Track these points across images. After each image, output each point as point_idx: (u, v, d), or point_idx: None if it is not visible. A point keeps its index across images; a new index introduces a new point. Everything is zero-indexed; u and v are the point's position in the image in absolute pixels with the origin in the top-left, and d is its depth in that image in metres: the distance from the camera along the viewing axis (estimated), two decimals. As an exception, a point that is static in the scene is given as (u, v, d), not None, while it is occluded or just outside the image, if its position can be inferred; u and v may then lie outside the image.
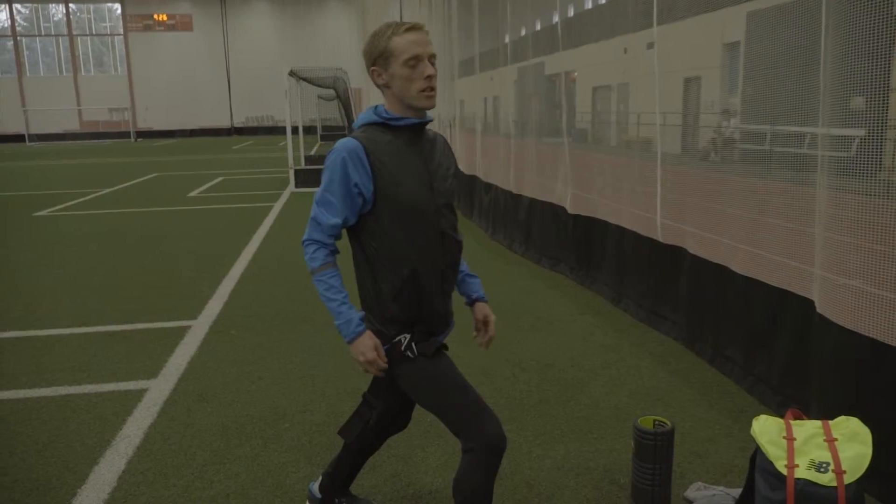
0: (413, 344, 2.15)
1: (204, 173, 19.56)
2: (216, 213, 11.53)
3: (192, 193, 14.45)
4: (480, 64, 17.90)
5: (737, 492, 2.78)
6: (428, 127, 2.22)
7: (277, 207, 11.99)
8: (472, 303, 2.38)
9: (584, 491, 2.89)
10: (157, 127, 52.85)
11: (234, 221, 10.48)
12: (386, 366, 2.12)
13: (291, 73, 14.07)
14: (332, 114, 42.29)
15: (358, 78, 26.05)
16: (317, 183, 14.04)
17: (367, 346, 2.08)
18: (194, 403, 3.82)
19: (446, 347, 2.22)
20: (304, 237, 2.13)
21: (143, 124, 53.04)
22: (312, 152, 21.67)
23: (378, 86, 2.11)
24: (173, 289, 6.34)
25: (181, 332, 5.05)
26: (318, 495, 2.69)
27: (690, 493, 2.84)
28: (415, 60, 2.01)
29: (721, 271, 4.11)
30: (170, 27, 53.93)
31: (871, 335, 2.79)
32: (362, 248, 2.15)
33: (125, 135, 50.33)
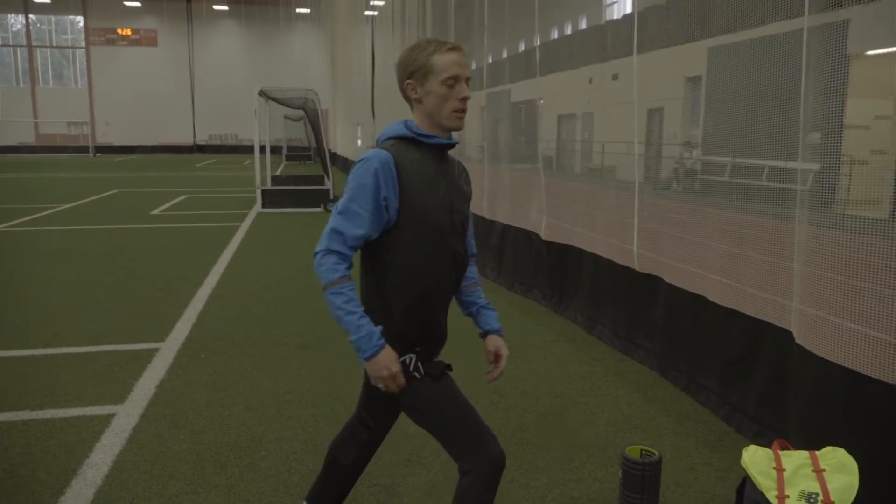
0: (419, 364, 2.11)
1: (167, 191, 19.23)
2: (181, 231, 11.31)
3: (156, 211, 14.17)
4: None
5: (721, 522, 2.79)
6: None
7: (244, 227, 11.82)
8: (485, 335, 2.34)
9: (570, 522, 2.87)
10: (117, 142, 51.94)
11: (199, 241, 10.30)
12: (404, 383, 2.05)
13: (261, 93, 13.98)
14: (298, 134, 42.16)
15: (325, 100, 26.06)
16: (283, 204, 14.00)
17: (391, 359, 2.00)
18: (165, 430, 3.70)
19: (450, 368, 2.19)
20: (321, 247, 2.02)
21: (103, 139, 52.11)
22: (278, 172, 21.52)
23: (408, 99, 2.11)
24: (139, 309, 6.17)
25: (149, 355, 4.91)
26: (307, 525, 2.61)
27: (675, 523, 2.84)
28: (453, 80, 2.01)
29: (697, 300, 4.17)
30: (133, 42, 53.32)
31: (849, 366, 2.84)
32: (375, 264, 2.11)
33: (83, 149, 49.32)
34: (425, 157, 2.08)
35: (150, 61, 53.42)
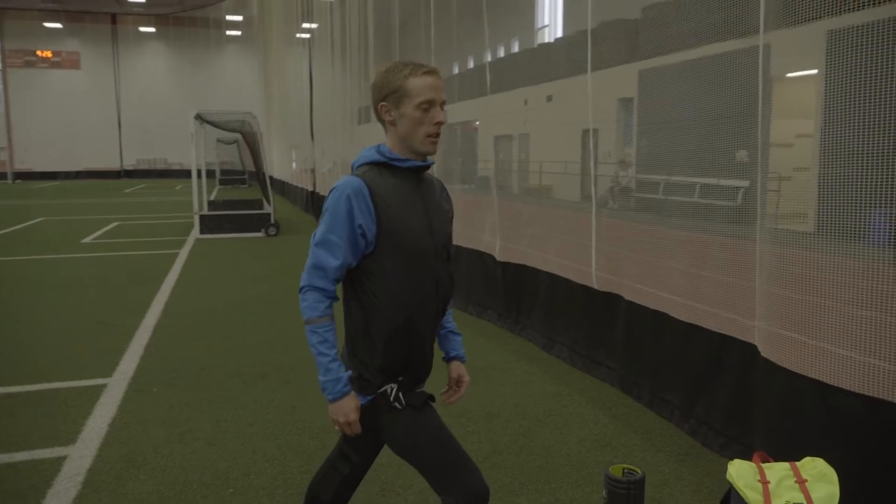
0: (400, 394, 2.07)
1: (96, 218, 18.50)
2: (117, 260, 10.88)
3: (87, 239, 13.60)
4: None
5: (702, 536, 2.83)
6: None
7: (184, 254, 11.47)
8: (449, 360, 2.33)
9: (554, 544, 2.86)
10: (38, 168, 49.81)
11: (138, 269, 9.92)
12: (360, 431, 2.05)
13: (198, 117, 13.67)
14: (231, 157, 41.35)
15: (260, 123, 25.70)
16: (222, 229, 13.67)
17: (351, 407, 2.01)
18: (123, 470, 3.51)
19: (433, 399, 2.15)
20: (304, 284, 2.02)
21: (22, 165, 49.83)
22: (212, 197, 21.04)
23: (382, 122, 2.07)
24: (81, 344, 5.88)
25: (97, 392, 4.67)
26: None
27: (657, 540, 2.86)
28: (428, 104, 1.99)
29: (658, 317, 4.26)
30: (55, 64, 51.41)
31: (816, 377, 2.95)
32: (356, 291, 2.07)
33: (1, 175, 47.03)
34: (400, 181, 2.06)
35: (72, 84, 51.56)
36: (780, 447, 3.08)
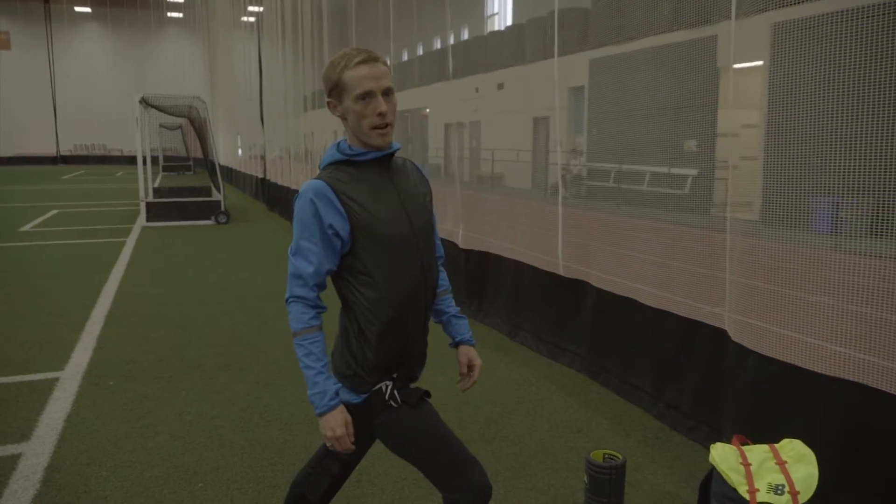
0: (395, 392, 2.02)
1: (34, 205, 17.74)
2: (60, 249, 10.44)
3: (26, 228, 13.02)
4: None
5: (680, 518, 2.87)
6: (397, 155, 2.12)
7: (131, 243, 11.09)
8: (456, 345, 2.29)
9: (535, 531, 2.86)
10: (-34, 153, 47.47)
11: (83, 259, 9.55)
12: (352, 447, 1.98)
13: (142, 101, 13.19)
14: (174, 143, 40.22)
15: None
16: (170, 217, 13.28)
17: (339, 421, 1.92)
18: (83, 467, 3.37)
19: (429, 395, 2.11)
20: (287, 295, 1.96)
21: (-51, 150, 47.47)
22: (157, 184, 20.42)
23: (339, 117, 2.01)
24: (28, 336, 5.61)
25: (48, 386, 4.47)
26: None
27: (636, 523, 2.89)
28: (366, 95, 1.91)
29: (625, 303, 4.30)
30: (-17, 44, 48.96)
31: (789, 360, 3.02)
32: (344, 292, 2.01)
33: (-74, 161, 44.73)
34: (365, 173, 2.00)
35: (2, 65, 49.24)
36: (751, 429, 3.15)
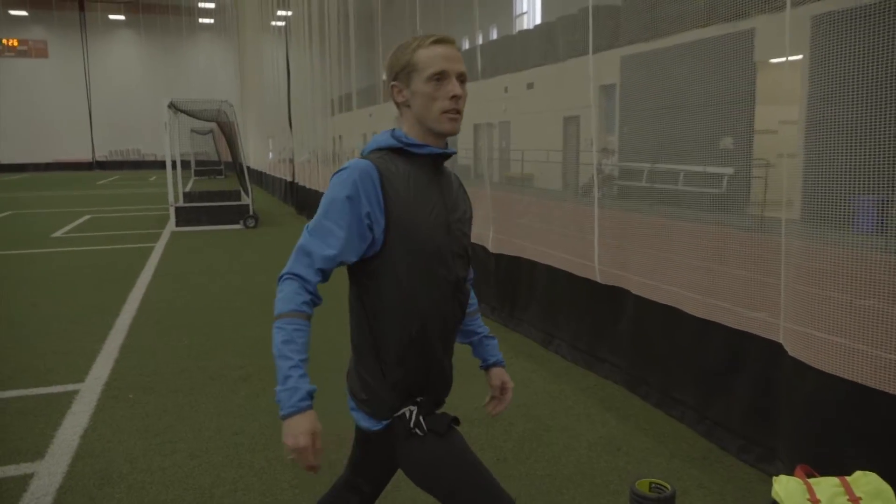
0: (421, 419, 1.80)
1: (68, 211, 17.93)
2: (89, 255, 10.45)
3: (58, 234, 13.10)
4: (358, 100, 17.88)
5: (735, 554, 2.61)
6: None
7: (159, 248, 11.06)
8: (488, 367, 2.09)
9: (574, 566, 2.62)
10: (5, 160, 48.57)
11: (111, 265, 9.52)
12: (317, 465, 1.68)
13: (171, 106, 13.20)
14: (205, 147, 40.60)
15: (236, 112, 25.19)
16: (199, 222, 13.27)
17: (304, 427, 1.61)
18: (96, 489, 3.21)
19: (458, 422, 1.88)
20: (285, 271, 1.71)
21: (-10, 157, 48.60)
22: (188, 188, 20.54)
23: (397, 104, 1.81)
24: (50, 346, 5.52)
25: (67, 399, 4.35)
26: None
27: (686, 558, 2.63)
28: (440, 76, 1.71)
29: (667, 311, 4.03)
30: (21, 53, 50.11)
31: (852, 378, 2.73)
32: (362, 298, 1.79)
33: (-32, 168, 45.83)
34: (416, 169, 1.79)
35: (40, 73, 50.29)
36: (811, 454, 2.87)
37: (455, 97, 1.73)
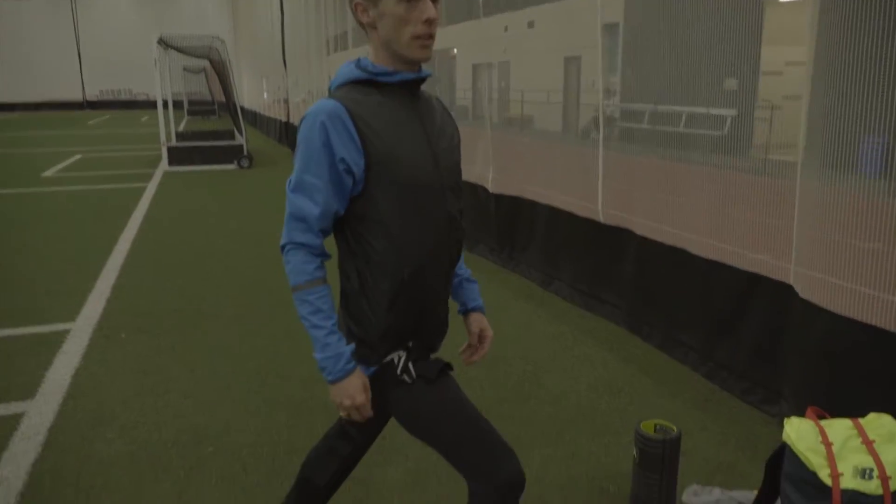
0: (410, 365, 1.70)
1: (58, 150, 17.62)
2: (81, 194, 10.26)
3: (48, 173, 12.88)
4: (354, 39, 17.38)
5: (740, 495, 2.56)
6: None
7: (152, 188, 10.87)
8: (467, 312, 1.95)
9: (576, 507, 2.57)
10: (-6, 100, 47.62)
11: (103, 204, 9.35)
12: (372, 414, 1.67)
13: (160, 42, 12.79)
14: (198, 87, 39.80)
15: (228, 51, 24.55)
16: (192, 161, 13.05)
17: (356, 387, 1.61)
18: (88, 429, 3.15)
19: (451, 367, 1.78)
20: (284, 241, 1.61)
21: (-24, 97, 47.65)
22: (181, 128, 20.15)
23: (361, 25, 1.62)
24: (42, 285, 5.42)
25: (58, 339, 4.26)
26: (275, 542, 2.19)
27: (689, 497, 2.59)
28: None
29: (674, 252, 3.92)
30: (7, -11, 48.50)
31: (866, 320, 2.64)
32: (349, 242, 1.66)
33: (-44, 108, 44.98)
34: (390, 100, 1.63)
35: (26, 12, 48.82)
36: (818, 396, 2.81)
37: (429, 20, 1.56)
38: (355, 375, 1.62)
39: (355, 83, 1.63)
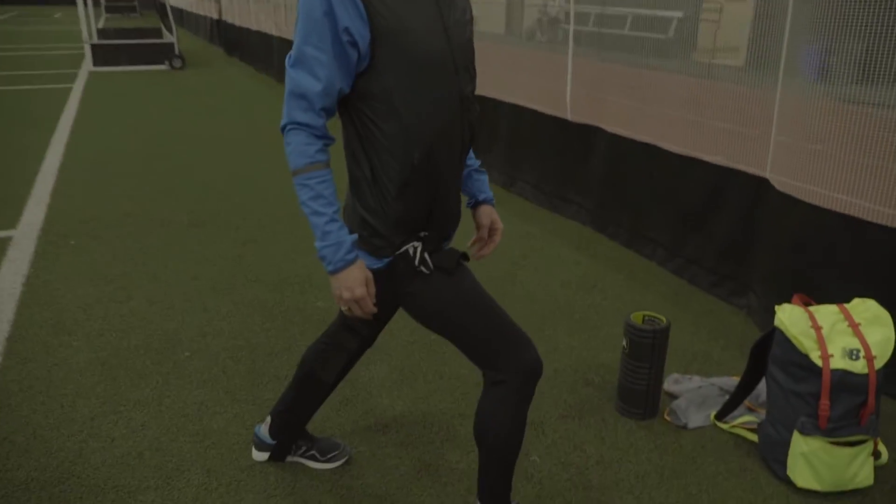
0: (426, 256, 1.63)
1: (-36, 49, 16.20)
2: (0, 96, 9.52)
3: (-43, 73, 11.85)
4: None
5: (719, 381, 2.66)
6: None
7: (78, 89, 10.15)
8: (476, 204, 1.87)
9: (563, 396, 2.62)
10: None
11: (26, 106, 8.69)
12: (375, 309, 1.60)
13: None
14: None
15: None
16: (119, 61, 12.19)
17: (357, 279, 1.54)
18: (51, 337, 3.00)
19: (466, 258, 1.72)
20: (284, 121, 1.48)
21: None
22: (100, 26, 18.72)
23: None
24: (-29, 191, 5.05)
25: (1, 246, 4.00)
26: (271, 441, 2.16)
27: (670, 386, 2.67)
28: None
29: (645, 150, 3.91)
30: None
31: (836, 209, 2.70)
32: (355, 125, 1.54)
33: None
34: None
35: None
36: (787, 287, 2.90)
37: None
38: (356, 266, 1.54)
39: None
